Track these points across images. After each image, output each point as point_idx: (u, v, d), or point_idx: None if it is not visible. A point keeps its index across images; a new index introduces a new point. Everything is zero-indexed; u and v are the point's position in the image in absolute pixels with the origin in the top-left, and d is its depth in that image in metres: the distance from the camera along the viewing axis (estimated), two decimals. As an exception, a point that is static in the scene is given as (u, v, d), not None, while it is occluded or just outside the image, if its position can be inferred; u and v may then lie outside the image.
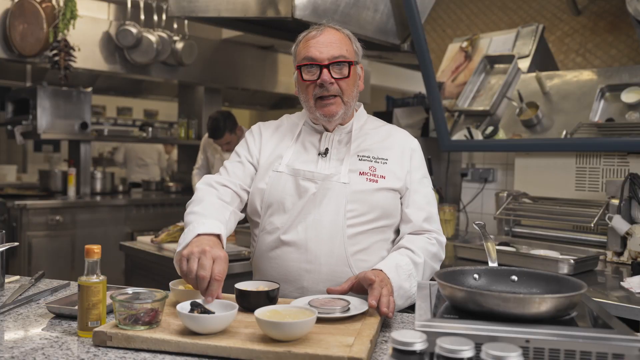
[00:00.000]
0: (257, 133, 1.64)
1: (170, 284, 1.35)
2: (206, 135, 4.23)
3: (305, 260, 1.47)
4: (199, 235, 1.32)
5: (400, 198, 1.56)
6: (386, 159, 1.54)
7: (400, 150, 1.57)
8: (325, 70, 1.46)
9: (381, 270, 1.38)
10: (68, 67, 4.31)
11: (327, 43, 1.47)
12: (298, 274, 1.47)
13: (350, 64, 1.48)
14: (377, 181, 1.50)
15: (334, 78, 1.47)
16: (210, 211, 1.42)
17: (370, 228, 1.50)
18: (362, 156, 1.53)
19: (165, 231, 2.90)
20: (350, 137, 1.55)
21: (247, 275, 1.66)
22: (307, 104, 1.53)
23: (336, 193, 1.48)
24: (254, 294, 1.28)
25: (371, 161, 1.53)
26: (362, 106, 1.67)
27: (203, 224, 1.35)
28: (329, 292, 1.35)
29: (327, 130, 1.57)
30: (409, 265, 1.43)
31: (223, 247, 1.33)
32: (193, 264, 1.21)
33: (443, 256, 1.58)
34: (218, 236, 1.35)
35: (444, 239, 1.58)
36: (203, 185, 1.55)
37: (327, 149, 1.54)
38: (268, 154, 1.59)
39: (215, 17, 2.92)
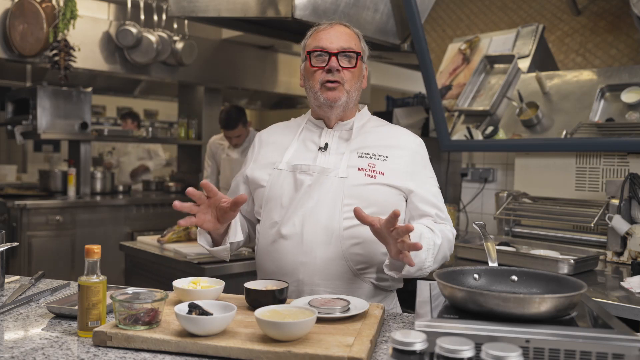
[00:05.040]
0: (257, 142, 1.71)
1: (174, 283, 1.35)
2: (212, 138, 4.24)
3: (301, 253, 1.48)
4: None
5: (406, 200, 1.56)
6: (386, 156, 1.54)
7: (402, 150, 1.57)
8: (334, 58, 1.52)
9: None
10: (68, 67, 4.31)
11: (337, 35, 1.55)
12: (294, 266, 1.48)
13: (358, 54, 1.55)
14: (375, 177, 1.51)
15: (342, 66, 1.53)
16: None
17: None
18: (362, 153, 1.54)
19: (171, 231, 2.90)
20: (351, 134, 1.57)
21: (247, 275, 1.66)
22: (312, 90, 1.56)
23: (334, 187, 1.49)
24: (264, 293, 1.28)
25: (370, 158, 1.54)
26: (365, 107, 1.69)
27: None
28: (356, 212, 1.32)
29: (327, 126, 1.60)
30: (431, 240, 1.44)
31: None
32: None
33: (452, 250, 1.59)
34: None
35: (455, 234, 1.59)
36: None
37: (326, 144, 1.56)
38: (269, 153, 1.63)
39: (215, 17, 2.92)
